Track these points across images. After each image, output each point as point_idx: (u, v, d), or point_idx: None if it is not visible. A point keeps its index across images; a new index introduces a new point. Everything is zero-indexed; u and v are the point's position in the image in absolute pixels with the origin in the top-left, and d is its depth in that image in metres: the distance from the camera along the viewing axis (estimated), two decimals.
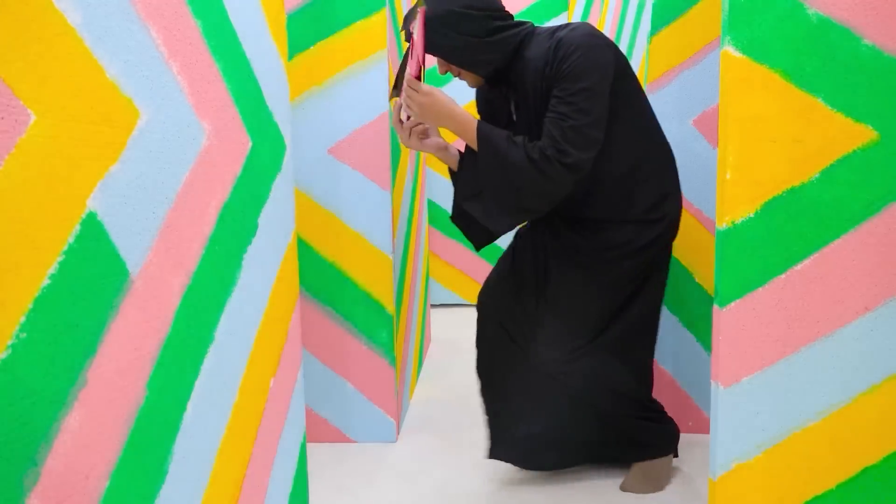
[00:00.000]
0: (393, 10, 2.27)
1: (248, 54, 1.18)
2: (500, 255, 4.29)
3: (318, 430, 2.23)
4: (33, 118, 0.63)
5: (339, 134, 2.13)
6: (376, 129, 2.11)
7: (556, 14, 4.10)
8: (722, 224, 1.22)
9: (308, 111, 2.11)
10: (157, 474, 0.86)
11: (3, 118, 0.59)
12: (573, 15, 3.92)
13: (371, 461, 2.08)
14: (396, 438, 2.24)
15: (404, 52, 1.70)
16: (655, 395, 2.23)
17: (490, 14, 1.65)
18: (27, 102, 0.62)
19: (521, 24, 1.73)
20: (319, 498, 1.85)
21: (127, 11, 0.78)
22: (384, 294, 2.17)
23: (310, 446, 2.20)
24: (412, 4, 1.85)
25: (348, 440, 2.23)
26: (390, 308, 2.18)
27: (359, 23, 2.09)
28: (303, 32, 2.08)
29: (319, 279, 2.17)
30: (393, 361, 2.20)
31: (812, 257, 1.20)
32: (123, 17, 0.78)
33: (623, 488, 1.87)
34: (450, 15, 1.61)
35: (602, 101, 1.58)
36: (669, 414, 2.26)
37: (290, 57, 2.10)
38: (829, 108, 1.18)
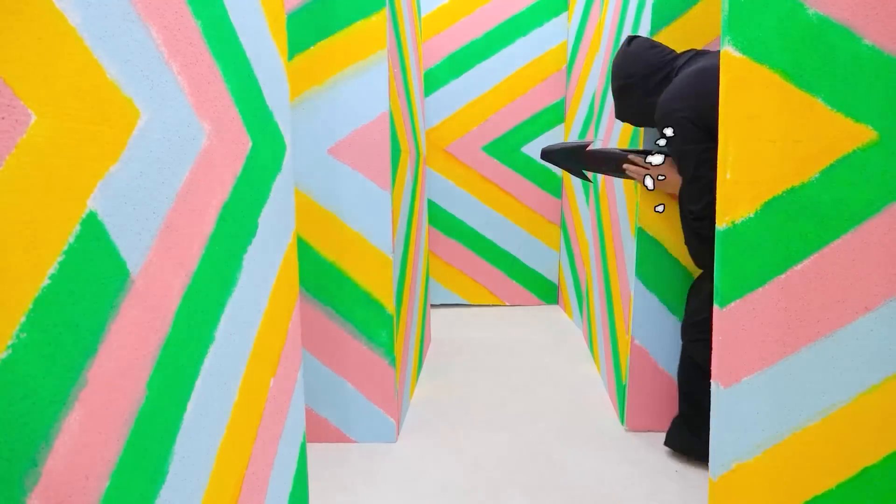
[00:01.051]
0: (393, 10, 2.27)
1: (249, 54, 1.18)
2: (498, 255, 4.31)
3: (318, 429, 2.23)
4: (34, 118, 0.62)
5: (339, 134, 2.12)
6: (376, 129, 2.11)
7: (557, 14, 4.10)
8: (722, 224, 1.22)
9: (308, 111, 2.11)
10: (157, 475, 0.86)
11: (3, 118, 0.58)
12: (573, 15, 3.92)
13: (371, 461, 2.08)
14: (396, 438, 2.23)
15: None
16: (655, 395, 2.23)
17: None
18: (28, 102, 0.62)
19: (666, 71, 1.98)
20: (319, 498, 1.85)
21: (127, 11, 0.78)
22: (384, 294, 2.17)
23: (310, 446, 2.20)
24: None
25: (348, 440, 2.22)
26: (390, 308, 2.17)
27: (359, 23, 2.08)
28: (303, 32, 2.08)
29: (319, 279, 2.17)
30: (393, 361, 2.20)
31: (812, 257, 1.20)
32: (123, 17, 0.78)
33: None
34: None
35: (686, 161, 1.85)
36: (670, 414, 2.26)
37: (290, 57, 2.10)
38: (829, 108, 1.18)
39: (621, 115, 2.09)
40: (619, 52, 2.06)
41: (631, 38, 2.05)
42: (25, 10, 0.61)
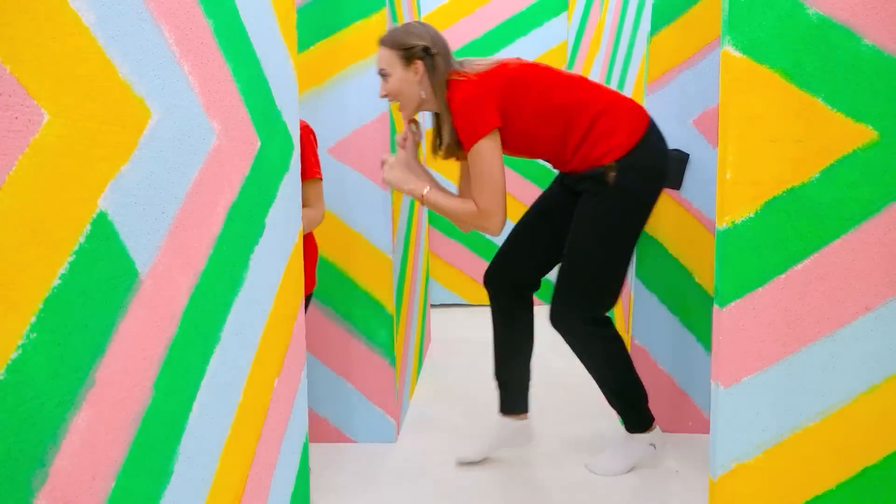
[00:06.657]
0: (393, 10, 2.27)
1: (259, 53, 1.17)
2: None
3: (319, 429, 2.23)
4: (46, 118, 0.62)
5: (339, 134, 2.12)
6: (376, 129, 2.11)
7: (557, 14, 4.10)
8: (722, 224, 1.23)
9: (308, 111, 2.11)
10: (162, 475, 0.86)
11: (17, 118, 0.58)
12: (573, 15, 3.93)
13: (371, 461, 2.08)
14: (396, 438, 2.23)
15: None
16: (655, 395, 2.24)
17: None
18: (41, 102, 0.62)
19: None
20: (319, 497, 1.85)
21: (140, 11, 0.78)
22: (384, 294, 2.17)
23: (310, 446, 2.20)
24: None
25: (348, 440, 2.22)
26: (390, 308, 2.18)
27: (359, 23, 2.09)
28: (303, 32, 2.08)
29: (320, 279, 2.17)
30: (393, 361, 2.20)
31: (812, 257, 1.21)
32: (136, 17, 0.78)
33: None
34: None
35: None
36: (669, 414, 2.27)
37: None
38: (829, 108, 1.19)
39: None
40: None
41: None
42: (40, 9, 0.61)
